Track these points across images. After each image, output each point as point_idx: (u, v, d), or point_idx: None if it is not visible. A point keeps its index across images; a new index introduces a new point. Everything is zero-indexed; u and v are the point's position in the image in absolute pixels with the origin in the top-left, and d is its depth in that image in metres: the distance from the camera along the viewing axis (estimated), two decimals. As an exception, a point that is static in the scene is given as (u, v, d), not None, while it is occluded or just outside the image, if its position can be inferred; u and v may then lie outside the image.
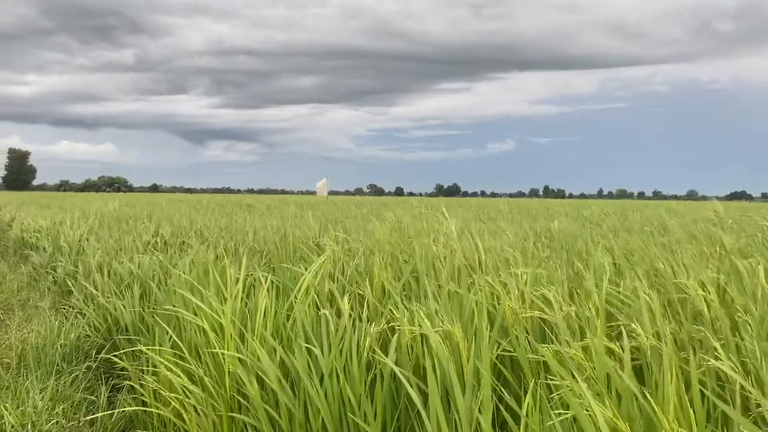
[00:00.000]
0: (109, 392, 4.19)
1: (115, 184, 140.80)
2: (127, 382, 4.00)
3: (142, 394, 3.42)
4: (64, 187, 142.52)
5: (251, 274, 4.02)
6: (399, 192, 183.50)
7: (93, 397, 4.01)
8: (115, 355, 4.60)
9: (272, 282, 4.08)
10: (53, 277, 7.60)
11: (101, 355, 4.66)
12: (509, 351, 2.64)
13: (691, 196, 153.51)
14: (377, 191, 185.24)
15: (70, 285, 6.42)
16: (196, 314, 3.21)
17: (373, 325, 2.73)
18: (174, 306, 3.85)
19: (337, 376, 2.47)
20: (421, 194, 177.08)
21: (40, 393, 3.79)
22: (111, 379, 4.45)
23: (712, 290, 2.70)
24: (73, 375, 4.28)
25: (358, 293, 3.50)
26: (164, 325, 3.40)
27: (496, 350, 2.61)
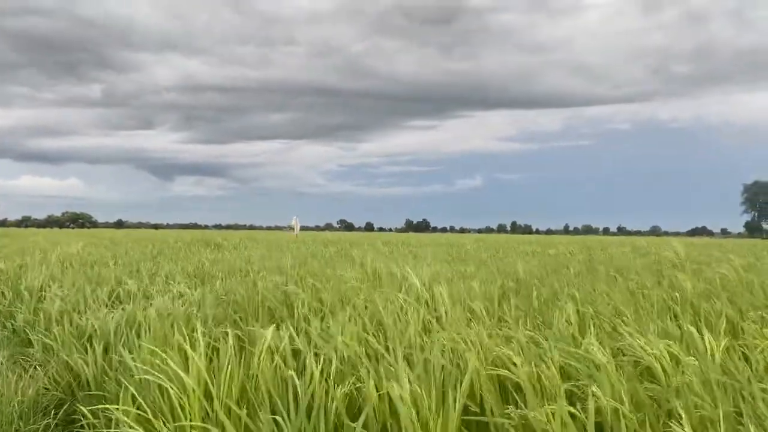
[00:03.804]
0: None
1: (79, 220, 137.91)
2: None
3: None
4: (26, 222, 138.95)
5: (217, 330, 4.00)
6: (369, 227, 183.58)
7: (51, 459, 3.88)
8: (75, 412, 4.48)
9: (239, 338, 4.06)
10: (12, 326, 7.37)
11: (61, 411, 4.52)
12: (475, 412, 2.68)
13: (655, 231, 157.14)
14: (347, 226, 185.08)
15: (30, 335, 6.24)
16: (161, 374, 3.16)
17: (339, 388, 2.74)
18: (138, 363, 3.79)
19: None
20: (391, 229, 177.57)
21: (-5, 457, 3.65)
22: (72, 436, 4.32)
23: (665, 353, 2.79)
24: (31, 435, 4.14)
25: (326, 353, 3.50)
26: (128, 386, 3.34)
27: (461, 411, 2.63)
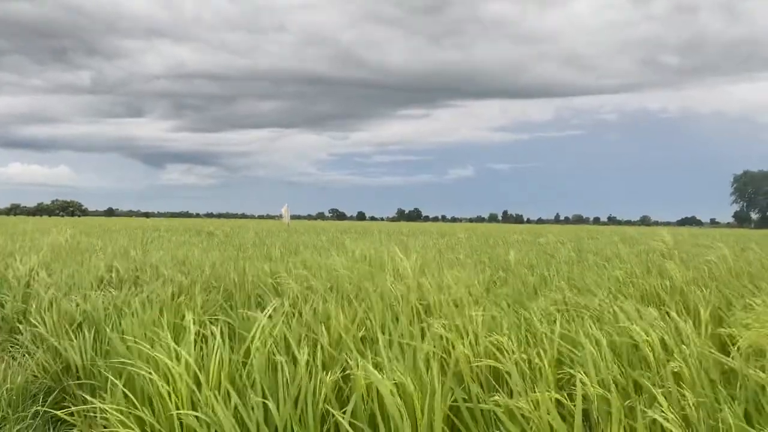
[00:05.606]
0: (58, 438, 4.06)
1: (69, 208, 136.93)
2: (77, 430, 3.88)
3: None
4: (15, 210, 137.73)
5: (206, 317, 3.99)
6: (361, 216, 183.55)
7: (40, 447, 3.87)
8: (64, 399, 4.47)
9: (228, 325, 4.06)
10: (0, 313, 7.34)
11: (50, 399, 4.51)
12: (463, 399, 2.69)
13: (645, 221, 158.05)
14: (339, 215, 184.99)
15: (18, 323, 6.22)
16: (149, 360, 3.15)
17: (329, 374, 2.75)
18: (127, 348, 3.78)
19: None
20: (382, 218, 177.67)
21: (-17, 444, 3.64)
22: (60, 424, 4.31)
23: (655, 337, 2.82)
24: (19, 423, 4.13)
25: (315, 339, 3.51)
26: (114, 373, 3.34)
27: (450, 399, 2.65)
